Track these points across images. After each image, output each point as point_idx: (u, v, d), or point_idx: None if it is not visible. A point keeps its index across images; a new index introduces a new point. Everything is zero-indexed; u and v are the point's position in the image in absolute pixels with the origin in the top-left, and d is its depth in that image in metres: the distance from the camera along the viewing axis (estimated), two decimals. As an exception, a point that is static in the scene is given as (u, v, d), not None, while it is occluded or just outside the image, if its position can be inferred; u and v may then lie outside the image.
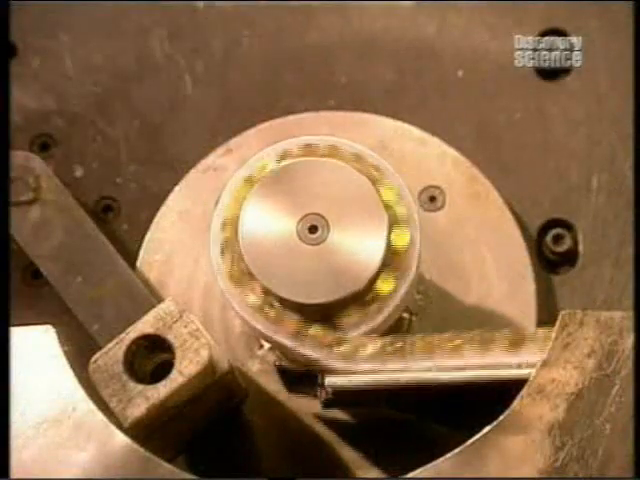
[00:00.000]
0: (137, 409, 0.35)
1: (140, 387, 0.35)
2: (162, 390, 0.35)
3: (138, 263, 0.44)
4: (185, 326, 0.36)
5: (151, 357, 0.36)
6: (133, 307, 0.40)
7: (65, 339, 0.36)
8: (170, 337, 0.36)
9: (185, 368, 0.35)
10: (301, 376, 0.39)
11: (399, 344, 0.35)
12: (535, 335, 0.35)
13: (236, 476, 0.40)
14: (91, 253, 0.42)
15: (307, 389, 0.40)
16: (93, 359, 0.35)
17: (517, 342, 0.35)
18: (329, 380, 0.35)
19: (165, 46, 0.48)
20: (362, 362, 0.35)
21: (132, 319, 0.36)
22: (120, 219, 0.45)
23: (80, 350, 0.38)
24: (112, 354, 0.35)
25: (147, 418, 0.35)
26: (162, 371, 0.36)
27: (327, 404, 0.37)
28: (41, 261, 0.42)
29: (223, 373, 0.37)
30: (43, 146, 0.46)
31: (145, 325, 0.36)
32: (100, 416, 0.35)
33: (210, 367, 0.36)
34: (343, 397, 0.36)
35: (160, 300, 0.38)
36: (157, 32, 0.48)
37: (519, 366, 0.35)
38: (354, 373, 0.35)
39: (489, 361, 0.35)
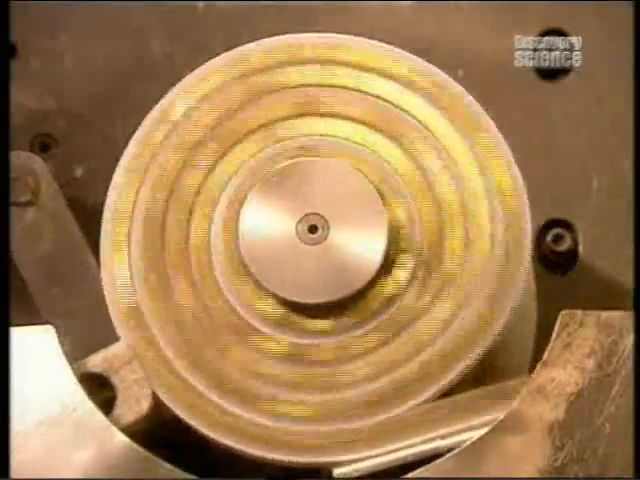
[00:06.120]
0: None
1: None
2: None
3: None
4: (132, 372, 0.36)
5: (98, 393, 0.36)
6: (104, 328, 0.39)
7: (65, 339, 0.36)
8: (115, 380, 0.36)
9: (123, 414, 0.35)
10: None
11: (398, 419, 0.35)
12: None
13: (236, 476, 0.40)
14: (73, 266, 0.41)
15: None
16: None
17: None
18: (337, 472, 0.35)
19: (165, 46, 0.48)
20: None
21: (101, 340, 0.36)
22: (120, 219, 0.45)
23: (80, 350, 0.38)
24: None
25: None
26: (109, 409, 0.35)
27: None
28: (24, 265, 0.41)
29: (167, 422, 0.36)
30: (43, 146, 0.46)
31: (92, 363, 0.36)
32: (100, 416, 0.35)
33: (150, 418, 0.35)
34: None
35: None
36: (157, 32, 0.48)
37: None
38: (356, 461, 0.35)
39: (483, 420, 0.35)
